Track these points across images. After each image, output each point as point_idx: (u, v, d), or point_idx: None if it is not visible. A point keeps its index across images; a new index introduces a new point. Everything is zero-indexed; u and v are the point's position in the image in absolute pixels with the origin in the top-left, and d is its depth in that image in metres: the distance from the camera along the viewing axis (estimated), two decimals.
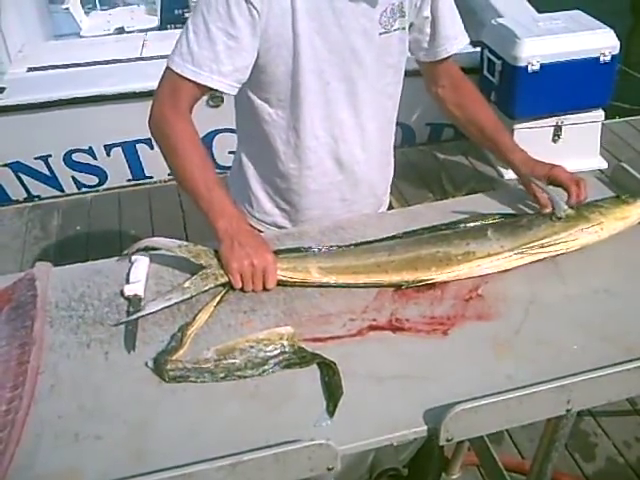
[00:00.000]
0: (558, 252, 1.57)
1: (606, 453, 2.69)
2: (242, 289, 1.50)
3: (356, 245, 1.62)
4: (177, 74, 1.57)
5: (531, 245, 1.57)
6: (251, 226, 1.83)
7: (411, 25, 1.73)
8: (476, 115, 1.86)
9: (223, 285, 1.51)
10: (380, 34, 1.64)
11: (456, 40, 1.78)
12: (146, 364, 1.33)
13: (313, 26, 1.57)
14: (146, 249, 1.62)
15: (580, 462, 2.64)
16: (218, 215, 1.54)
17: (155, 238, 1.62)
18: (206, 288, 1.49)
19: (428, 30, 1.74)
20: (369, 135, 1.79)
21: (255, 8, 1.51)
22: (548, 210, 1.65)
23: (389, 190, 2.02)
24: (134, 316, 1.43)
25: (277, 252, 1.57)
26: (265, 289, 1.51)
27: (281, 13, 1.55)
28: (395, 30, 1.66)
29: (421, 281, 1.51)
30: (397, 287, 1.52)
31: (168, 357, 1.33)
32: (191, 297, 1.47)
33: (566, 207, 1.63)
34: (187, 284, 1.49)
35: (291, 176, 1.81)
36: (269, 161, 1.81)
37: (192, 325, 1.41)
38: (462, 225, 1.66)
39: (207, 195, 1.55)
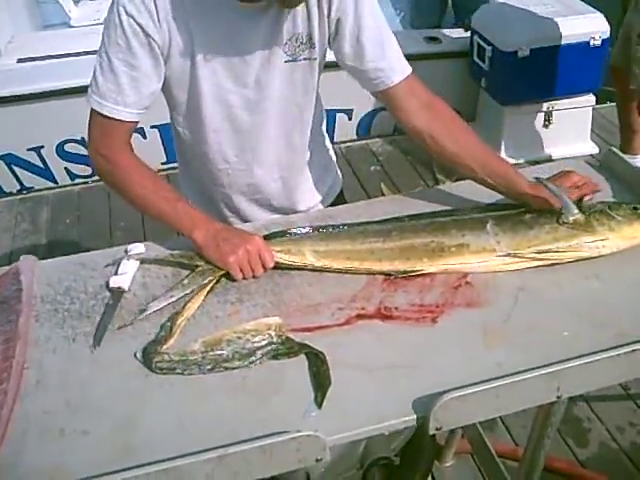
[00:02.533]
0: (553, 261, 1.51)
1: (599, 438, 2.69)
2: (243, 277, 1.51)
3: (352, 226, 1.62)
4: (91, 108, 1.59)
5: (527, 249, 1.51)
6: None
7: (338, 56, 1.64)
8: (465, 145, 1.64)
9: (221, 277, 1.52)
10: (285, 62, 1.61)
11: (393, 72, 1.61)
12: (135, 355, 1.32)
13: (213, 55, 1.56)
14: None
15: (573, 447, 2.64)
16: (191, 226, 1.54)
17: (146, 254, 1.61)
18: (205, 282, 1.49)
19: (349, 63, 1.63)
20: (287, 155, 1.78)
21: (154, 40, 1.51)
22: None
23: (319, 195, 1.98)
24: (140, 316, 1.42)
25: (273, 235, 1.58)
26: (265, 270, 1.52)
27: (182, 42, 1.53)
28: (303, 59, 1.62)
29: (412, 272, 1.50)
30: (387, 275, 1.51)
31: (158, 347, 1.33)
32: (192, 292, 1.47)
33: (577, 211, 1.54)
34: (186, 281, 1.49)
35: (209, 192, 1.83)
36: (190, 175, 1.84)
37: (182, 314, 1.41)
38: (463, 214, 1.63)
39: (173, 212, 1.56)
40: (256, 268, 1.50)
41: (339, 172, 2.06)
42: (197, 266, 1.52)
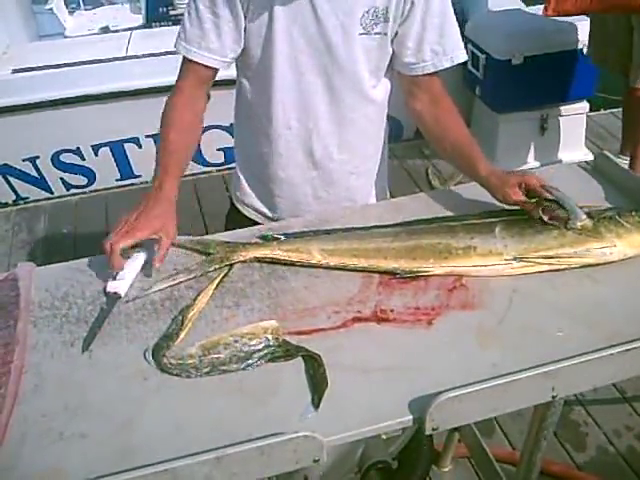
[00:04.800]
0: (559, 266, 1.51)
1: (597, 442, 2.69)
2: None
3: (361, 229, 1.64)
4: (179, 53, 1.68)
5: (534, 255, 1.51)
6: (238, 211, 1.94)
7: (396, 34, 1.69)
8: (451, 129, 1.77)
9: (227, 267, 1.56)
10: (360, 34, 1.64)
11: (446, 57, 1.71)
12: (144, 354, 1.34)
13: (290, 14, 1.60)
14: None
15: (571, 452, 2.65)
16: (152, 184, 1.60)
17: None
18: (211, 269, 1.54)
19: (410, 44, 1.69)
20: (348, 136, 1.80)
21: None
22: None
23: (374, 199, 2.01)
24: (142, 294, 1.48)
25: (285, 235, 1.63)
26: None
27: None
28: (376, 34, 1.65)
29: (417, 272, 1.51)
30: (392, 275, 1.52)
31: (169, 342, 1.35)
32: (195, 277, 1.52)
33: (584, 217, 1.54)
34: (194, 267, 1.55)
35: (263, 161, 1.84)
36: (248, 143, 1.87)
37: (193, 308, 1.43)
38: (472, 218, 1.64)
39: (157, 165, 1.63)
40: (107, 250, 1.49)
41: (387, 188, 2.08)
42: (209, 254, 1.58)
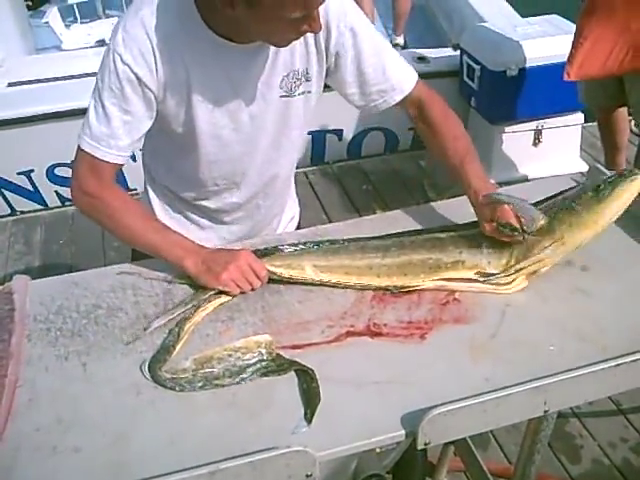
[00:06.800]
0: (536, 269, 1.53)
1: (592, 454, 2.70)
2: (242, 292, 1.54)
3: (352, 241, 1.63)
4: (83, 150, 1.58)
5: (509, 267, 1.53)
6: None
7: (340, 86, 1.69)
8: (448, 138, 1.70)
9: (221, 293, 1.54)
10: (281, 97, 1.62)
11: (395, 91, 1.69)
12: (140, 367, 1.34)
13: (209, 96, 1.57)
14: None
15: (566, 464, 2.65)
16: (182, 255, 1.55)
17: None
18: (206, 296, 1.51)
19: (353, 90, 1.68)
20: (273, 183, 1.81)
21: (149, 89, 1.52)
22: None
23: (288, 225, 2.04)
24: (144, 332, 1.44)
25: (274, 249, 1.61)
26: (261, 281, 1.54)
27: (179, 86, 1.54)
28: (299, 94, 1.64)
29: (408, 287, 1.53)
30: (384, 290, 1.53)
31: (167, 355, 1.36)
32: (193, 306, 1.49)
33: (541, 217, 1.52)
34: (188, 299, 1.52)
35: (193, 207, 1.84)
36: (175, 189, 1.83)
37: (190, 320, 1.44)
38: (460, 230, 1.64)
39: (163, 243, 1.57)
40: (251, 279, 1.52)
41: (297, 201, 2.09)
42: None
